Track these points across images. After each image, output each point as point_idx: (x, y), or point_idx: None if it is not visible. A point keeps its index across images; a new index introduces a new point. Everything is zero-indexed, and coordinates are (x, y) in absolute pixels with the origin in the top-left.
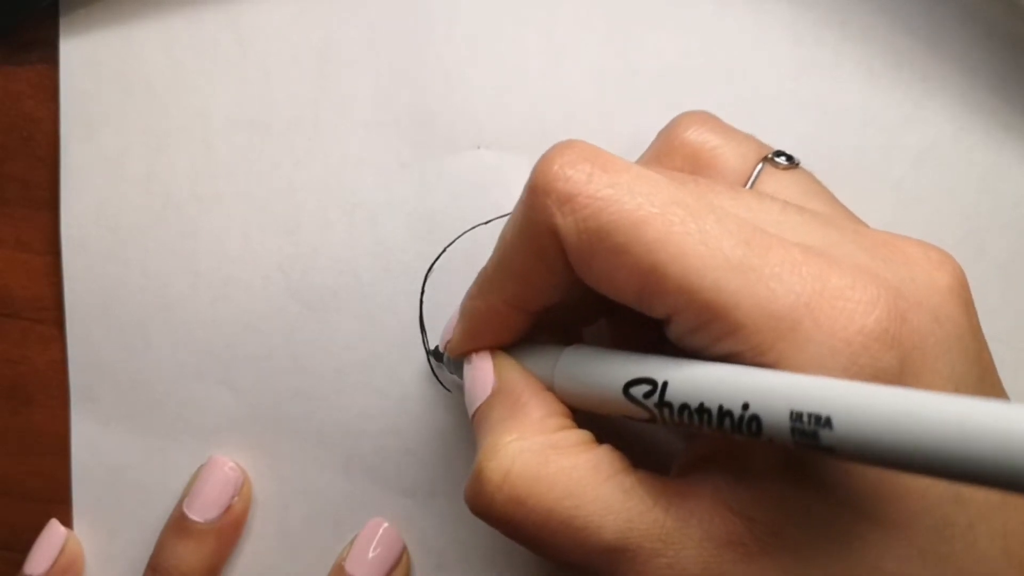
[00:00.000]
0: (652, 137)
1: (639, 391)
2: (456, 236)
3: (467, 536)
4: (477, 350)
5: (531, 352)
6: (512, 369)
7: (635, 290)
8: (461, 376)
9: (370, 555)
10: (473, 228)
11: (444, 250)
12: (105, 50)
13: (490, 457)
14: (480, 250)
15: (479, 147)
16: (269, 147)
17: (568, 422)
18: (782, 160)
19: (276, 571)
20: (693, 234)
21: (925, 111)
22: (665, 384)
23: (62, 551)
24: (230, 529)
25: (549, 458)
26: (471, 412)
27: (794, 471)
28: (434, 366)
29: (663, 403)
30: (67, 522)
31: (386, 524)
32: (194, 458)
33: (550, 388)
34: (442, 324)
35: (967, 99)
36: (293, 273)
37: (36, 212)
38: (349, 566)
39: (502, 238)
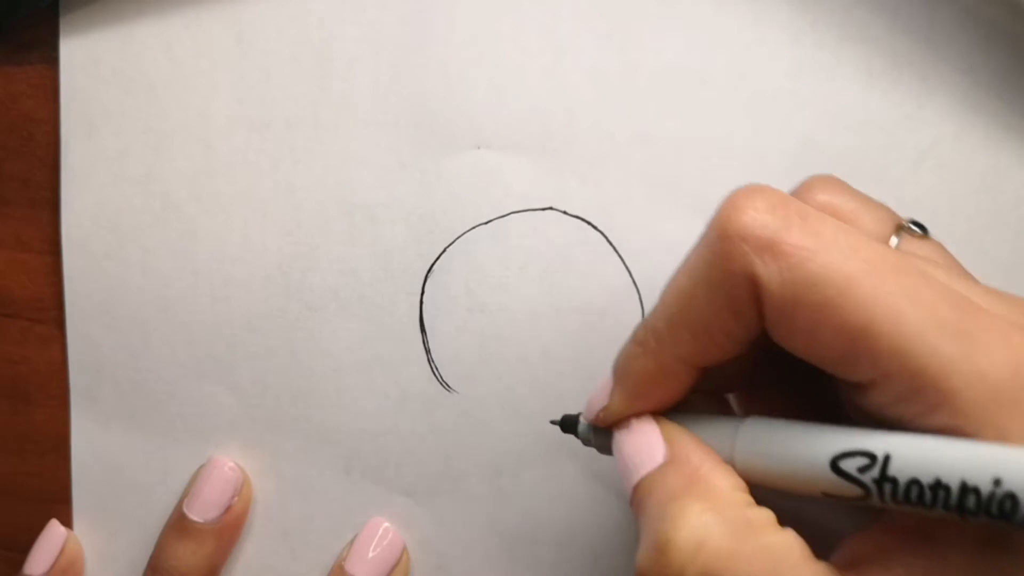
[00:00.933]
0: (651, 137)
1: (852, 464)
2: (456, 236)
3: (467, 536)
4: (637, 415)
5: (695, 421)
6: (685, 437)
7: (840, 350)
8: (602, 446)
9: (370, 555)
10: (473, 228)
11: (444, 250)
12: (105, 50)
13: (678, 527)
14: (480, 250)
15: (479, 147)
16: (269, 147)
17: (752, 499)
18: (916, 229)
19: (276, 571)
20: (907, 294)
21: (925, 111)
22: (887, 458)
23: (62, 551)
24: (230, 529)
25: (746, 536)
26: (632, 482)
27: (992, 557)
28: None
29: (884, 478)
30: (67, 522)
31: (386, 524)
32: (194, 458)
33: (728, 461)
34: (442, 324)
35: (967, 99)
36: (293, 273)
37: (36, 212)
38: (349, 566)
39: (676, 289)
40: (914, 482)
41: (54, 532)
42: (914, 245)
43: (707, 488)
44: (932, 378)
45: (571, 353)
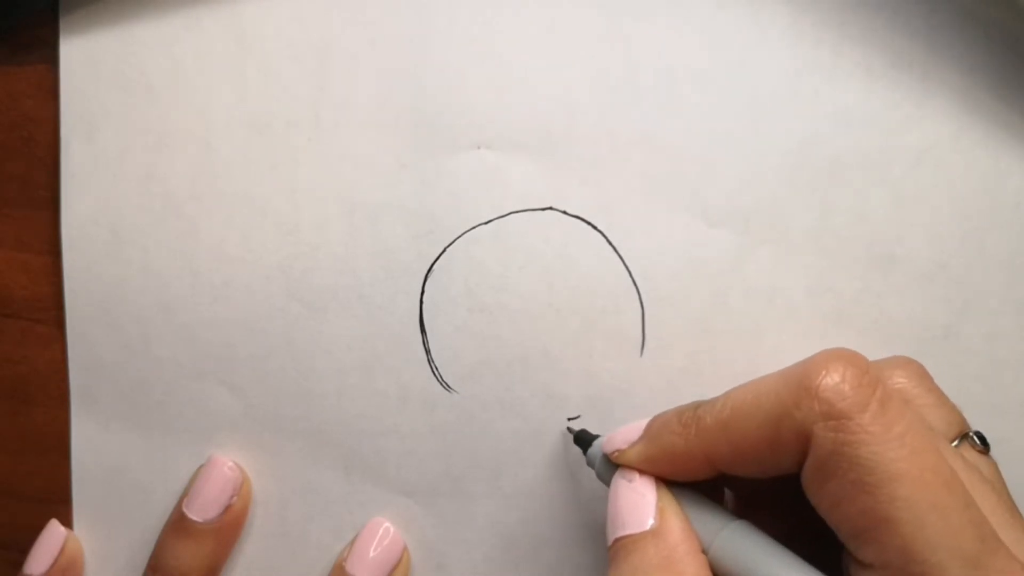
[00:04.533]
0: (651, 137)
1: None
2: (456, 236)
3: (467, 536)
4: (643, 473)
5: (692, 502)
6: (676, 516)
7: (856, 527)
8: (603, 475)
9: (370, 555)
10: (473, 228)
11: (444, 250)
12: (105, 50)
13: None
14: (480, 250)
15: (479, 147)
16: (269, 147)
17: None
18: (978, 442)
19: (276, 571)
20: (941, 511)
21: (925, 111)
22: None
23: (62, 551)
24: (230, 529)
25: None
26: (616, 534)
27: None
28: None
29: None
30: (67, 522)
31: (386, 524)
32: (194, 458)
33: (705, 551)
34: (442, 324)
35: (967, 99)
36: (293, 273)
37: (36, 212)
38: (349, 566)
39: (738, 400)
40: None
41: (54, 532)
42: (973, 456)
43: (676, 574)
44: None
45: (571, 353)
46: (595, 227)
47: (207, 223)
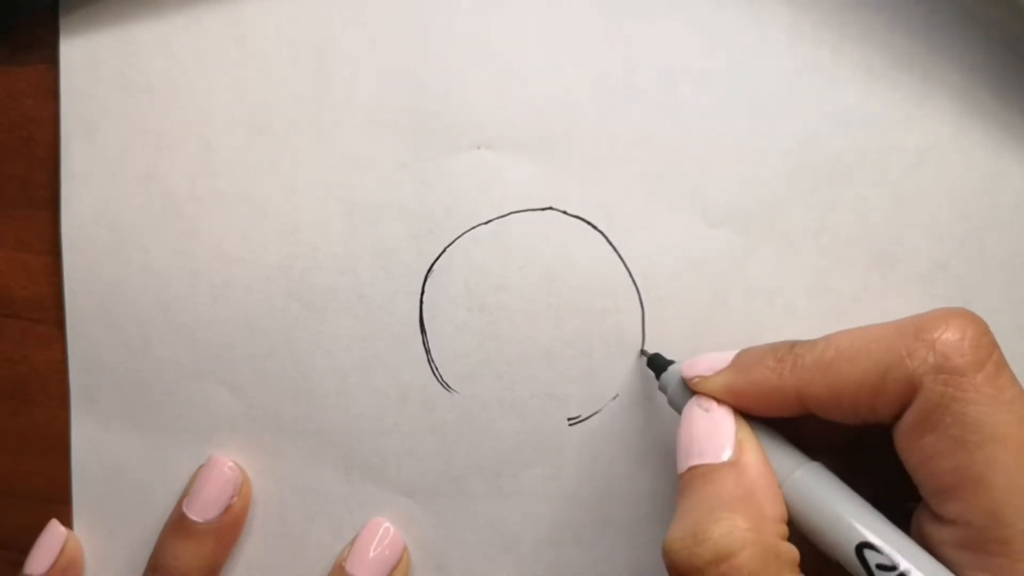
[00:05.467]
0: (651, 137)
1: (874, 558)
2: (456, 236)
3: (467, 536)
4: (723, 403)
5: (770, 438)
6: (755, 450)
7: (946, 483)
8: (676, 401)
9: (371, 555)
10: (473, 228)
11: (444, 250)
12: (105, 50)
13: (721, 531)
14: (480, 250)
15: (479, 147)
16: (269, 147)
17: (787, 532)
18: None
19: (276, 571)
20: None
21: (925, 111)
22: (905, 574)
23: (62, 551)
24: (230, 529)
25: (771, 564)
26: (691, 462)
27: None
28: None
29: None
30: (67, 522)
31: (386, 524)
32: (194, 458)
33: (780, 487)
34: (442, 324)
35: (967, 99)
36: (293, 273)
37: (36, 212)
38: (349, 566)
39: (844, 346)
40: None
41: (54, 532)
42: None
43: (756, 508)
44: (1006, 553)
45: (571, 353)
46: (595, 227)
47: (207, 223)
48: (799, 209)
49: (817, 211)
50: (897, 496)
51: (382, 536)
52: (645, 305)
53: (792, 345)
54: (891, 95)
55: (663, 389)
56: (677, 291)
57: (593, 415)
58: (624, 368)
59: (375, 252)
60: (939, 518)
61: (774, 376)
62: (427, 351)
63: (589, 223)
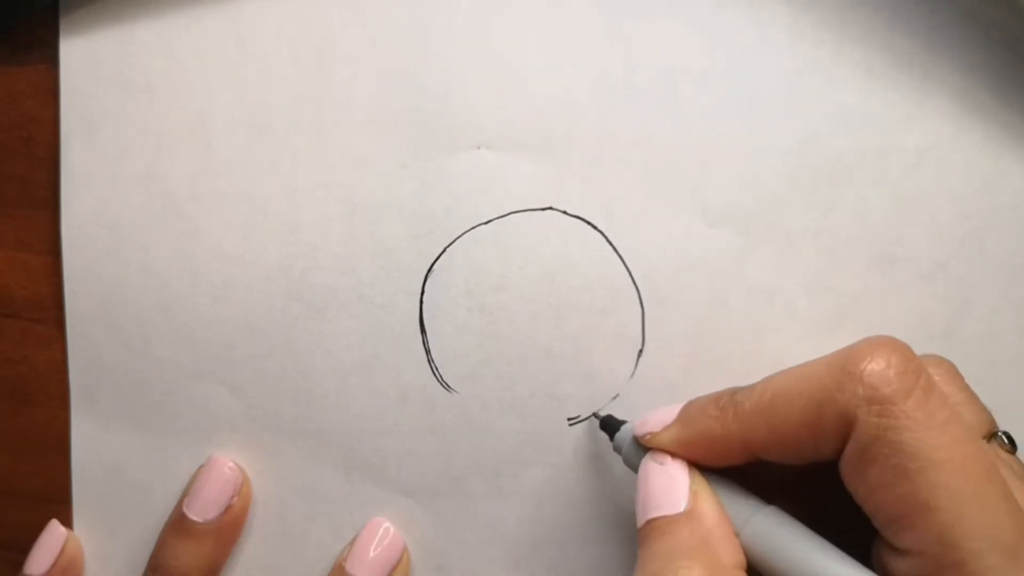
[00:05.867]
0: (651, 137)
1: None
2: (456, 236)
3: (467, 536)
4: (676, 457)
5: (724, 487)
6: (709, 499)
7: (895, 513)
8: (630, 459)
9: (371, 555)
10: (473, 228)
11: (444, 250)
12: (105, 50)
13: None
14: (480, 250)
15: (479, 147)
16: (269, 147)
17: None
18: (1006, 441)
19: (276, 571)
20: (980, 499)
21: (925, 111)
22: None
23: (62, 551)
24: (230, 529)
25: None
26: (648, 516)
27: None
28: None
29: None
30: (67, 522)
31: (386, 524)
32: (194, 458)
33: (737, 534)
34: (442, 324)
35: (967, 99)
36: (293, 273)
37: (36, 212)
38: (349, 566)
39: (779, 388)
40: None
41: (54, 532)
42: (1000, 455)
43: (712, 556)
44: None
45: (571, 353)
46: (595, 227)
47: (207, 223)
48: (799, 209)
49: (817, 211)
50: (860, 529)
51: (382, 536)
52: (645, 305)
53: (733, 392)
54: (891, 95)
55: (617, 450)
56: (677, 291)
57: (593, 415)
58: (624, 368)
59: (375, 252)
60: (895, 549)
61: (718, 426)
62: (427, 351)
63: (589, 223)
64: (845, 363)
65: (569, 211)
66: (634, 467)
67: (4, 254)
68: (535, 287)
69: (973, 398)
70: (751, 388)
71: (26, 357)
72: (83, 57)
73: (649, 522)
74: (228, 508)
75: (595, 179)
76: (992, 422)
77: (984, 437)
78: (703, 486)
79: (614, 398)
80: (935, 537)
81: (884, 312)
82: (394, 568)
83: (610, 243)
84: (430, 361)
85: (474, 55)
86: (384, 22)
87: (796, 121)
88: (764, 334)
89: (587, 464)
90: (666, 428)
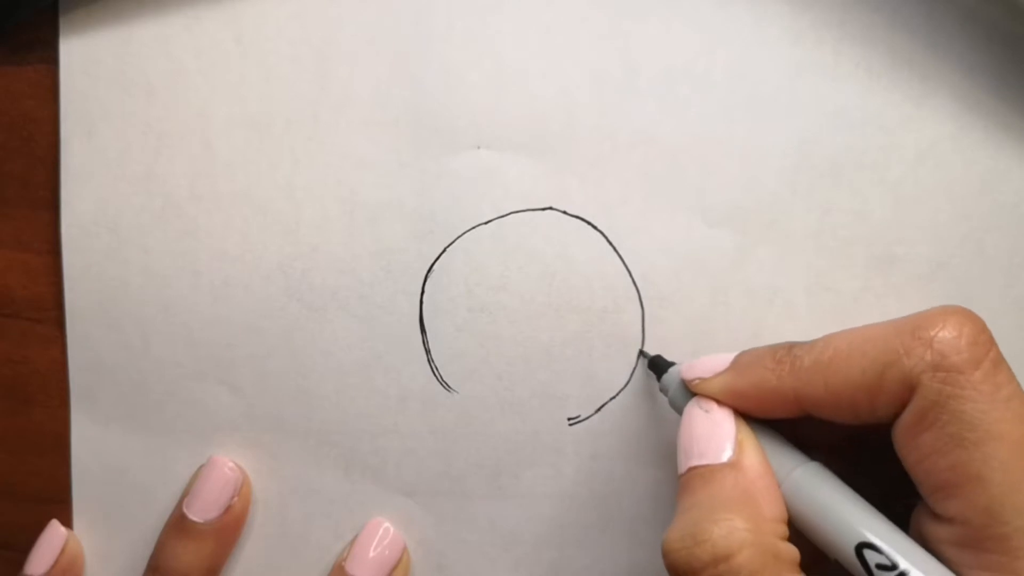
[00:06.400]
0: (651, 137)
1: (873, 558)
2: (456, 236)
3: (467, 536)
4: (723, 405)
5: (769, 439)
6: (755, 451)
7: (943, 481)
8: (677, 403)
9: (370, 555)
10: (473, 228)
11: (444, 250)
12: (105, 50)
13: (720, 532)
14: (480, 250)
15: (479, 147)
16: (269, 147)
17: (787, 532)
18: None
19: (276, 571)
20: None
21: (925, 111)
22: (904, 574)
23: (62, 551)
24: (230, 529)
25: (769, 565)
26: (691, 463)
27: None
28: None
29: None
30: (67, 522)
31: (386, 524)
32: (194, 458)
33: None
34: (442, 324)
35: (967, 99)
36: (293, 273)
37: (36, 212)
38: (349, 566)
39: (842, 346)
40: None
41: (54, 532)
42: None
43: (755, 509)
44: (1004, 551)
45: (571, 353)
46: (595, 227)
47: (207, 223)
48: (799, 209)
49: (817, 211)
50: (898, 496)
51: (382, 536)
52: (645, 305)
53: (791, 346)
54: (891, 95)
55: (664, 391)
56: (677, 291)
57: (593, 415)
58: (624, 368)
59: (375, 252)
60: (938, 517)
61: (773, 377)
62: (427, 351)
63: (589, 223)
64: (916, 328)
65: (569, 211)
66: (679, 410)
67: (4, 254)
68: (535, 287)
69: None
70: (811, 344)
71: (26, 357)
72: (83, 57)
73: (691, 469)
74: (228, 508)
75: (595, 179)
76: None
77: None
78: (749, 437)
79: (614, 398)
80: (982, 508)
81: (884, 312)
82: (394, 568)
83: (610, 243)
84: (430, 361)
85: (474, 55)
86: (384, 22)
87: (796, 121)
88: (764, 334)
89: (587, 464)
90: (717, 375)
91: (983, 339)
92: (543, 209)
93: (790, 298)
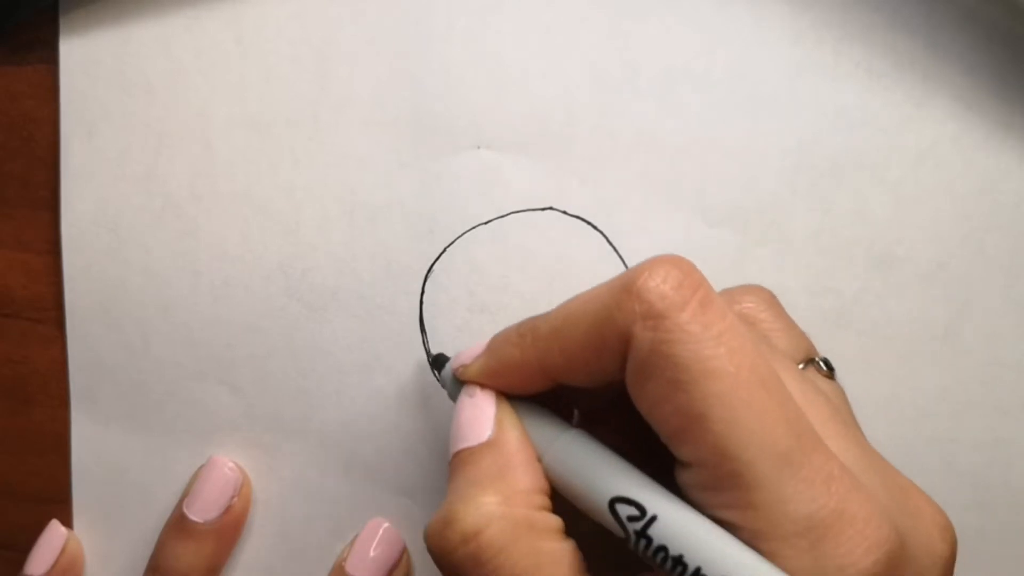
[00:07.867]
0: (651, 137)
1: (624, 511)
2: (456, 236)
3: None
4: (484, 387)
5: (532, 414)
6: (513, 428)
7: (674, 427)
8: (452, 394)
9: (371, 555)
10: (473, 228)
11: (444, 250)
12: (105, 50)
13: (468, 510)
14: (480, 250)
15: (479, 147)
16: (269, 147)
17: (548, 502)
18: (823, 367)
19: (276, 571)
20: (754, 406)
21: (925, 111)
22: (654, 518)
23: (63, 551)
24: (230, 529)
25: (522, 535)
26: (456, 447)
27: None
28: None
29: (643, 534)
30: (67, 522)
31: (386, 524)
32: (194, 458)
33: (540, 459)
34: (442, 324)
35: (967, 99)
36: (293, 273)
37: (36, 212)
38: (349, 566)
39: (569, 308)
40: (662, 548)
41: (54, 532)
42: (819, 381)
43: (508, 482)
44: (742, 485)
45: None
46: (595, 227)
47: (207, 223)
48: (799, 209)
49: (817, 211)
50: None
51: (382, 536)
52: None
53: (533, 319)
54: (891, 95)
55: (444, 386)
56: None
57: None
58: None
59: (375, 252)
60: (681, 463)
61: (517, 352)
62: (427, 351)
63: (589, 223)
64: (625, 282)
65: (569, 211)
66: (456, 400)
67: (4, 254)
68: (535, 287)
69: (790, 325)
70: (547, 313)
71: (26, 357)
72: (83, 57)
73: (456, 454)
74: (228, 508)
75: (595, 179)
76: (811, 348)
77: (801, 362)
78: (508, 414)
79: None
80: (710, 447)
81: (884, 312)
82: (394, 568)
83: (610, 243)
84: (430, 362)
85: (474, 55)
86: (384, 22)
87: (796, 121)
88: None
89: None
90: (475, 359)
91: (689, 281)
92: (543, 209)
93: (790, 298)
